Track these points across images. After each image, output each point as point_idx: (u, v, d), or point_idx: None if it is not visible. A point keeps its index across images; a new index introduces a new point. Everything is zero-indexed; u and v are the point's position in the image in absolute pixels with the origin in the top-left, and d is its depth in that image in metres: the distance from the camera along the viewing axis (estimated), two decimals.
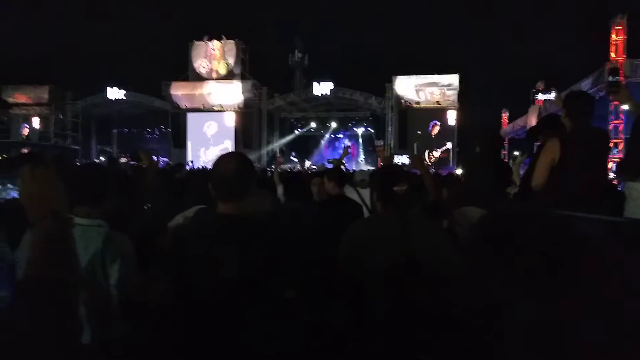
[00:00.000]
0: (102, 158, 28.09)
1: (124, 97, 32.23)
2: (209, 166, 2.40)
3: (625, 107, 16.00)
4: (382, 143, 28.53)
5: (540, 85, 21.79)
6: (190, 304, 1.65)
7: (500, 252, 0.68)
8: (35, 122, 31.95)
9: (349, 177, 4.33)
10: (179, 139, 33.05)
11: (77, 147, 32.10)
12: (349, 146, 4.85)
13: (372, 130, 33.08)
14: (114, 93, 31.89)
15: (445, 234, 2.16)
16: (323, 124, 34.22)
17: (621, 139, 16.39)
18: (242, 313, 1.57)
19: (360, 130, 34.03)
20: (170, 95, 32.27)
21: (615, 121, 17.03)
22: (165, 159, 25.85)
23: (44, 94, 31.85)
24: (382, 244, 2.04)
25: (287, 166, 23.19)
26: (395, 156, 22.90)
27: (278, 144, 34.23)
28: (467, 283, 0.71)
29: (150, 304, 1.89)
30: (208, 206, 2.48)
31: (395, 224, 2.07)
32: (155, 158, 4.41)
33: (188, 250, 1.71)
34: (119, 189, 2.50)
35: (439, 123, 29.36)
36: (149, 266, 2.18)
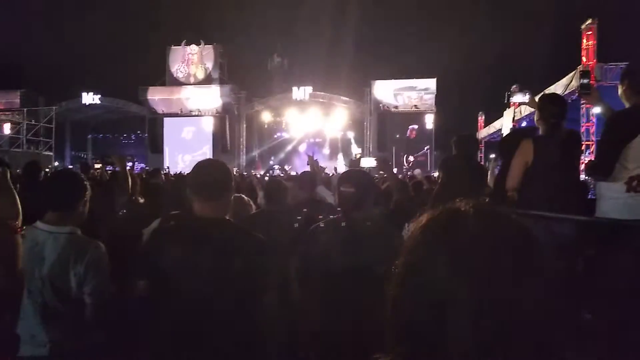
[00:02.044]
0: (74, 166, 27.56)
1: (100, 102, 31.63)
2: (187, 172, 2.39)
3: (597, 109, 16.45)
4: (359, 152, 28.70)
5: (515, 88, 22.22)
6: (167, 308, 1.62)
7: (445, 246, 0.69)
8: (6, 127, 31.12)
9: (325, 181, 4.35)
10: (156, 145, 32.63)
11: (50, 154, 31.36)
12: (311, 155, 4.91)
13: (352, 134, 33.24)
14: (89, 98, 31.25)
15: (390, 237, 2.14)
16: (303, 128, 34.20)
17: (593, 141, 16.81)
18: (219, 316, 1.55)
19: (339, 134, 34.14)
20: (147, 100, 31.84)
21: (587, 124, 17.46)
22: (142, 165, 25.48)
23: (15, 98, 31.07)
24: (328, 247, 2.07)
25: (261, 171, 23.10)
26: (363, 159, 23.12)
27: (257, 148, 34.08)
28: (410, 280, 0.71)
29: (126, 310, 1.85)
30: (184, 211, 2.46)
31: (339, 226, 2.12)
32: (130, 163, 4.34)
33: (164, 254, 1.69)
34: (92, 195, 2.45)
35: (416, 127, 29.70)
36: (124, 272, 2.14)
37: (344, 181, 2.24)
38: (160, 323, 1.62)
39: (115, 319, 1.91)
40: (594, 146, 16.31)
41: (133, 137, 36.40)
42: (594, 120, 17.17)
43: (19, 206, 0.92)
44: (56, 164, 28.69)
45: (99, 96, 31.27)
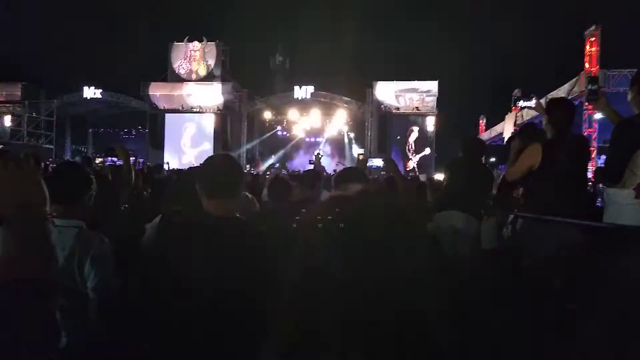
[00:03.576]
0: (77, 158, 27.45)
1: (101, 97, 31.55)
2: (186, 168, 2.35)
3: (599, 115, 16.46)
4: (363, 151, 28.70)
5: (517, 92, 22.22)
6: (171, 304, 1.60)
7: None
8: (7, 120, 31.05)
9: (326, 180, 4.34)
10: (157, 140, 32.56)
11: (51, 147, 31.30)
12: (318, 153, 4.92)
13: (352, 135, 33.22)
14: (90, 92, 31.18)
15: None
16: (304, 127, 34.18)
17: (595, 146, 16.83)
18: (229, 314, 1.52)
19: (340, 134, 34.11)
20: (148, 95, 31.78)
21: (589, 129, 17.48)
22: (143, 160, 25.43)
23: (16, 91, 30.99)
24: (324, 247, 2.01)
25: (263, 169, 23.06)
26: (370, 159, 23.04)
27: (258, 146, 34.04)
28: None
29: (129, 306, 1.82)
30: (188, 207, 2.43)
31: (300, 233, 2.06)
32: (133, 158, 4.32)
33: (175, 250, 1.66)
34: (96, 188, 2.43)
35: (415, 129, 29.66)
36: (128, 267, 2.11)
37: (349, 179, 2.18)
38: (165, 319, 1.60)
39: (120, 315, 1.89)
40: (595, 152, 16.31)
41: (133, 132, 36.31)
42: (596, 125, 17.18)
43: (46, 192, 0.90)
44: (67, 157, 28.56)
45: (100, 90, 31.18)
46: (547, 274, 2.84)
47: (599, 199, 3.97)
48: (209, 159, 1.81)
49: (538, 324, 2.48)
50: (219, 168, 1.75)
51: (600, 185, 3.50)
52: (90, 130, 36.22)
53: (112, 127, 35.94)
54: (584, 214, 2.97)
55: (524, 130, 4.16)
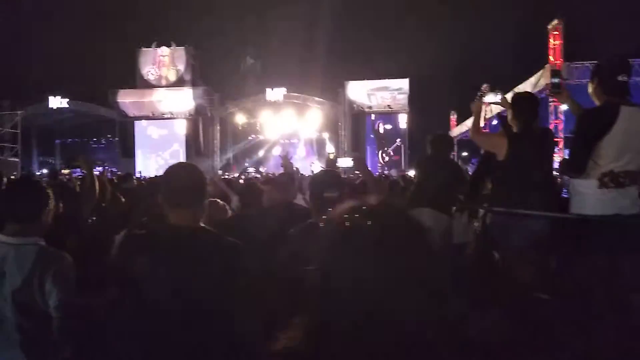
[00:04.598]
0: (44, 171, 26.69)
1: (68, 106, 30.69)
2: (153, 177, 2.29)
3: (565, 107, 16.89)
4: (333, 151, 28.82)
5: (485, 88, 22.62)
6: (139, 320, 1.55)
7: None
8: None
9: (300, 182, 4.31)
10: (128, 149, 31.98)
11: (16, 159, 30.34)
12: (286, 155, 4.90)
13: (326, 135, 33.29)
14: (56, 102, 30.29)
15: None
16: (278, 130, 34.07)
17: (561, 138, 17.26)
18: (194, 326, 1.48)
19: (314, 135, 34.13)
20: (117, 103, 31.15)
21: (555, 121, 17.90)
22: (114, 169, 24.92)
23: None
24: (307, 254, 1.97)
25: (234, 174, 22.87)
26: (339, 159, 23.16)
27: (231, 150, 33.77)
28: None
29: (94, 323, 1.76)
30: (156, 218, 2.37)
31: (324, 232, 2.00)
32: (100, 168, 4.20)
33: (138, 264, 1.61)
34: (58, 202, 2.34)
35: (382, 121, 29.97)
36: (93, 281, 2.05)
37: (326, 186, 2.15)
38: (132, 334, 1.55)
39: (83, 333, 1.82)
40: (562, 143, 16.73)
41: (103, 141, 35.59)
42: (562, 117, 17.62)
43: None
44: (34, 169, 27.69)
45: (67, 100, 30.33)
46: (518, 265, 2.89)
47: (565, 190, 4.05)
48: (170, 168, 1.76)
49: (511, 315, 2.51)
50: (180, 177, 1.70)
51: (566, 177, 3.58)
52: (57, 141, 35.28)
53: (81, 137, 35.13)
54: (551, 206, 3.02)
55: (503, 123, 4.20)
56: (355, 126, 30.32)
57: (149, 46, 31.89)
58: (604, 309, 2.48)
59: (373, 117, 30.12)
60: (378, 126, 30.10)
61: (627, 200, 2.65)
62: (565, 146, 16.41)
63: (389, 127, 29.95)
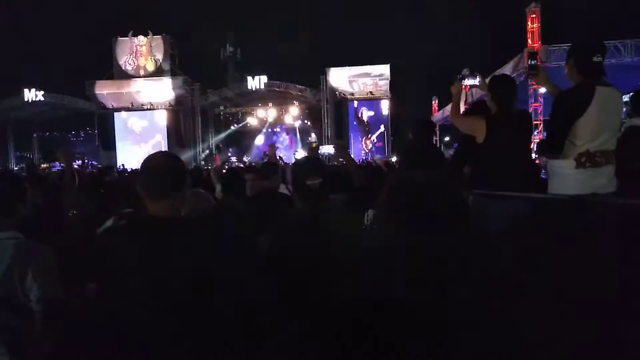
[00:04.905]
0: (22, 165, 26.09)
1: (43, 99, 29.97)
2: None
3: (543, 90, 17.06)
4: (314, 139, 28.81)
5: (465, 71, 22.73)
6: (120, 313, 1.54)
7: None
8: None
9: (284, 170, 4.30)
10: (108, 141, 31.47)
11: None
12: (273, 144, 4.88)
13: (308, 123, 33.22)
14: (32, 95, 29.51)
15: (359, 222, 2.11)
16: (260, 118, 33.87)
17: (540, 120, 17.51)
18: (174, 319, 1.48)
19: (297, 123, 34.01)
20: (95, 95, 30.56)
21: (535, 104, 18.13)
22: (94, 162, 24.52)
23: None
24: (296, 240, 1.97)
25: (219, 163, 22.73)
26: (322, 147, 23.15)
27: (213, 140, 33.47)
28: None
29: (75, 317, 1.75)
30: (138, 209, 2.35)
31: (307, 219, 2.01)
32: (79, 162, 4.13)
33: (117, 256, 1.59)
34: (39, 195, 2.31)
35: (365, 107, 29.95)
36: (75, 276, 2.03)
37: (309, 173, 2.14)
38: (112, 327, 1.54)
39: (66, 326, 1.80)
40: (542, 125, 16.97)
41: (82, 134, 34.93)
42: (542, 100, 17.84)
43: None
44: (11, 164, 27.07)
45: (42, 92, 29.59)
46: (499, 246, 2.93)
47: (543, 171, 4.12)
48: (148, 158, 1.72)
49: (491, 296, 2.55)
50: (158, 167, 1.66)
51: (544, 158, 3.65)
52: (35, 135, 34.48)
53: (59, 130, 34.45)
54: (530, 186, 3.07)
55: (474, 107, 4.24)
56: (338, 113, 30.26)
57: (125, 36, 31.25)
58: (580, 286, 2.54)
59: (355, 104, 30.06)
60: (361, 113, 30.09)
61: (603, 179, 2.71)
62: (545, 128, 16.65)
63: (371, 113, 29.94)
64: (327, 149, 23.37)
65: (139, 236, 1.62)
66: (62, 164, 3.61)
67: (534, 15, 17.69)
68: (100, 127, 31.79)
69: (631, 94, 3.85)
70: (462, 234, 1.05)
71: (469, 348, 0.93)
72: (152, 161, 1.68)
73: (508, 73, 16.58)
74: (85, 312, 1.64)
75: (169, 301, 1.49)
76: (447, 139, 28.90)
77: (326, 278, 1.77)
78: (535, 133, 16.23)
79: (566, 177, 2.76)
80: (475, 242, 1.07)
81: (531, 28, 17.66)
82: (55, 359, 1.76)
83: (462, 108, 3.77)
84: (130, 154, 30.08)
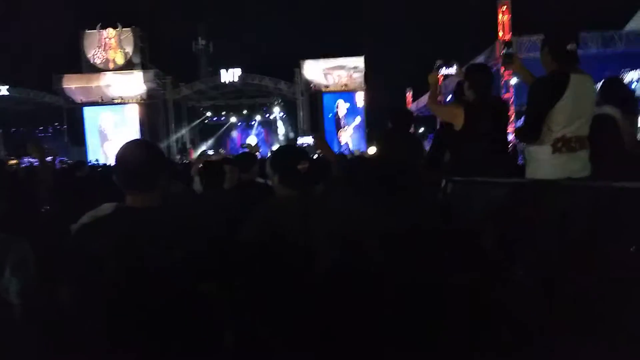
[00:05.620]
0: None
1: (8, 93, 28.93)
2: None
3: (514, 81, 17.42)
4: (254, 140, 28.77)
5: (439, 62, 22.96)
6: (100, 306, 1.50)
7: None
8: None
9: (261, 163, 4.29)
10: (77, 136, 30.66)
11: None
12: (257, 144, 4.90)
13: (284, 115, 33.08)
14: None
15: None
16: (234, 112, 33.54)
17: (512, 111, 17.87)
18: (157, 310, 1.45)
19: (272, 116, 33.83)
20: (62, 89, 29.67)
21: (506, 94, 18.48)
22: (64, 158, 23.84)
23: None
24: (284, 226, 1.98)
25: (194, 157, 22.45)
26: (299, 138, 23.11)
27: (187, 134, 32.99)
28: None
29: (56, 311, 1.70)
30: (118, 203, 2.29)
31: (296, 204, 2.02)
32: (50, 157, 4.00)
33: (94, 249, 1.55)
34: (9, 191, 2.23)
35: (342, 100, 29.97)
36: (52, 270, 1.97)
37: (300, 157, 2.14)
38: (89, 322, 1.50)
39: (47, 320, 1.76)
40: (513, 115, 17.32)
41: (50, 129, 33.92)
42: (513, 90, 18.21)
43: None
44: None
45: (7, 87, 28.57)
46: (479, 231, 2.99)
47: (520, 157, 4.21)
48: (123, 147, 1.63)
49: (472, 280, 2.60)
50: (133, 164, 1.59)
51: (521, 144, 3.72)
52: (0, 130, 33.32)
53: (26, 126, 33.32)
54: (508, 172, 3.13)
55: (455, 91, 4.28)
56: (313, 106, 30.20)
57: (92, 28, 30.40)
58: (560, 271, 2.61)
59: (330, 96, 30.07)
60: (337, 105, 30.11)
61: (578, 164, 2.79)
62: (517, 117, 17.00)
63: (347, 105, 29.99)
64: (305, 140, 23.33)
65: (115, 228, 1.57)
66: (33, 158, 3.49)
67: (504, 7, 17.98)
68: (69, 122, 30.94)
69: (601, 82, 3.97)
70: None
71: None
72: (127, 151, 1.61)
73: None
74: (67, 309, 1.59)
75: (146, 291, 1.46)
76: (421, 130, 29.20)
77: (318, 258, 1.78)
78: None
79: (543, 162, 2.82)
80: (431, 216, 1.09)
81: (502, 20, 17.97)
82: (38, 351, 1.72)
83: (438, 96, 3.82)
84: (104, 149, 29.41)
